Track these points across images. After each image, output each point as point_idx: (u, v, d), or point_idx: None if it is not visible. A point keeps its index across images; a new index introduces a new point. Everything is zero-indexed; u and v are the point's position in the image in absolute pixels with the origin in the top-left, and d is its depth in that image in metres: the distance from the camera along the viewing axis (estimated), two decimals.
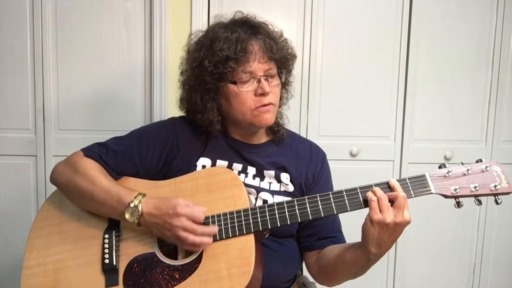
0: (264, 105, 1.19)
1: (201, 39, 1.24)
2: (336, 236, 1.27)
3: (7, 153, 1.88)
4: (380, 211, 1.02)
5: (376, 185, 1.07)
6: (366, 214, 1.05)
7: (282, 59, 1.23)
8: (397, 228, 1.02)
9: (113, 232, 1.15)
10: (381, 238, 1.03)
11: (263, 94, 1.18)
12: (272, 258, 1.18)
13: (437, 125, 2.05)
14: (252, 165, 1.26)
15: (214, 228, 1.08)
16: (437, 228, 2.09)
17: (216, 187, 1.14)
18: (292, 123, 1.41)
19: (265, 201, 1.22)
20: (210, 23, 1.31)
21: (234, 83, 1.18)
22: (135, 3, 1.86)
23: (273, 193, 1.24)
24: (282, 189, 1.26)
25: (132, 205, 1.09)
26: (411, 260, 2.11)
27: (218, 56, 1.16)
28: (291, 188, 1.27)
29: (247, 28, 1.20)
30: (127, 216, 1.09)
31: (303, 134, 1.94)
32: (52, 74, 1.86)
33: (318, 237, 1.26)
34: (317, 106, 1.97)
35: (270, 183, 1.26)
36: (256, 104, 1.18)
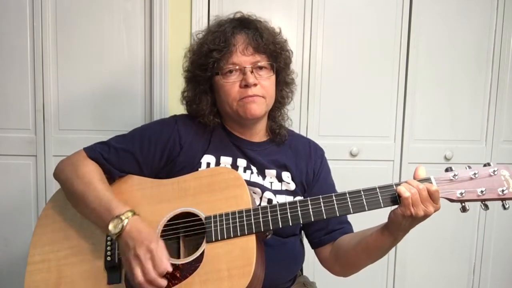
0: (249, 96, 1.20)
1: (200, 37, 1.30)
2: (344, 226, 1.28)
3: (7, 153, 1.88)
4: (413, 205, 1.02)
5: (380, 187, 1.06)
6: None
7: (269, 51, 1.24)
8: (426, 217, 1.05)
9: None
10: (411, 225, 1.07)
11: (247, 86, 1.20)
12: (275, 258, 1.18)
13: (437, 125, 2.05)
14: (254, 164, 1.27)
15: (163, 282, 1.03)
16: (437, 228, 2.08)
17: (218, 187, 1.14)
18: (292, 123, 1.42)
19: (269, 201, 1.23)
20: (210, 23, 1.33)
21: (218, 74, 1.22)
22: (135, 3, 1.86)
23: (275, 192, 1.25)
24: (284, 188, 1.27)
25: (118, 218, 1.08)
26: (411, 260, 2.11)
27: (203, 47, 1.22)
28: (292, 186, 1.27)
29: (235, 23, 1.25)
30: (110, 226, 1.07)
31: (303, 134, 1.94)
32: (52, 74, 1.86)
33: (327, 231, 1.26)
34: (317, 106, 1.97)
35: (271, 182, 1.26)
36: (241, 96, 1.21)
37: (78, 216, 1.20)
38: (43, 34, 1.84)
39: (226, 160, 1.25)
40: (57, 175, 1.24)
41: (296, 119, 1.94)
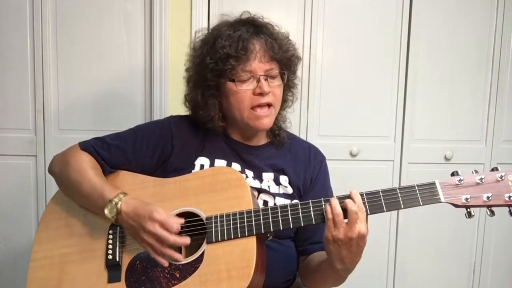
0: (261, 105, 1.19)
1: (206, 36, 1.25)
2: None
3: (7, 153, 1.88)
4: (335, 227, 1.00)
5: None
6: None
7: (283, 60, 1.23)
8: (353, 242, 1.00)
9: (118, 228, 1.16)
10: (339, 253, 1.02)
11: (262, 94, 1.18)
12: (273, 258, 1.17)
13: (437, 125, 2.05)
14: (250, 168, 1.26)
15: (186, 240, 1.06)
16: (437, 228, 2.08)
17: (220, 187, 1.13)
18: (292, 123, 1.41)
19: (265, 202, 1.22)
20: (211, 23, 1.31)
21: (233, 81, 1.18)
22: (135, 3, 1.86)
23: (274, 195, 1.24)
24: (282, 191, 1.26)
25: (112, 202, 1.10)
26: (411, 260, 2.11)
27: (219, 53, 1.17)
28: (290, 190, 1.27)
29: (250, 27, 1.21)
30: (106, 211, 1.10)
31: (303, 134, 1.94)
32: (52, 74, 1.86)
33: (311, 242, 1.25)
34: (317, 106, 1.97)
35: (269, 185, 1.25)
36: (254, 103, 1.19)
37: (82, 213, 1.20)
38: (43, 34, 1.84)
39: (220, 163, 1.24)
40: (51, 168, 1.26)
41: (296, 119, 1.93)
